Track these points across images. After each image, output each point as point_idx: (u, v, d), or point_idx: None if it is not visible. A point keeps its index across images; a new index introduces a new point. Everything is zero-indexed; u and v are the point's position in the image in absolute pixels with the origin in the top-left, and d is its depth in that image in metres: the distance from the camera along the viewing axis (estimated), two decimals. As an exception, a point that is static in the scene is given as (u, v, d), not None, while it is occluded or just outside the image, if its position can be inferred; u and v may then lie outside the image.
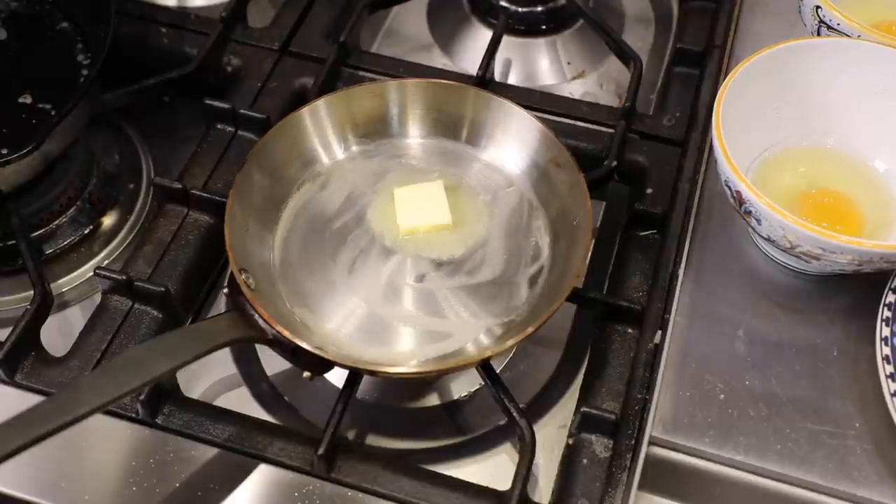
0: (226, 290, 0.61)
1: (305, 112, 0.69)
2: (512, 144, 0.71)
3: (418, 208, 0.68)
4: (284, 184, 0.69)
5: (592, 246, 0.77)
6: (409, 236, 0.67)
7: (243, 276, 0.60)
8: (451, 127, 0.73)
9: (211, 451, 0.60)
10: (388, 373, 0.61)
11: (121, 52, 0.72)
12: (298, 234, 0.68)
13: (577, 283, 0.63)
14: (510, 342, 0.59)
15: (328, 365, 0.60)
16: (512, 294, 0.65)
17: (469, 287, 0.65)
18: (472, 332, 0.63)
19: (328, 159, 0.71)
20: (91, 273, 0.73)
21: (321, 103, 0.70)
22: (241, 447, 0.60)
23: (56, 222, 0.75)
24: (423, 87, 0.72)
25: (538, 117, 0.70)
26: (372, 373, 0.61)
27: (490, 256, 0.67)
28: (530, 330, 0.59)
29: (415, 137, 0.73)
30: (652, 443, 0.60)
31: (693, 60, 0.82)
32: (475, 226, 0.69)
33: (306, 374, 0.60)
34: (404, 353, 0.63)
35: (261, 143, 0.67)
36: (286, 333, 0.57)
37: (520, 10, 0.89)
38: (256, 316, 0.58)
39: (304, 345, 0.57)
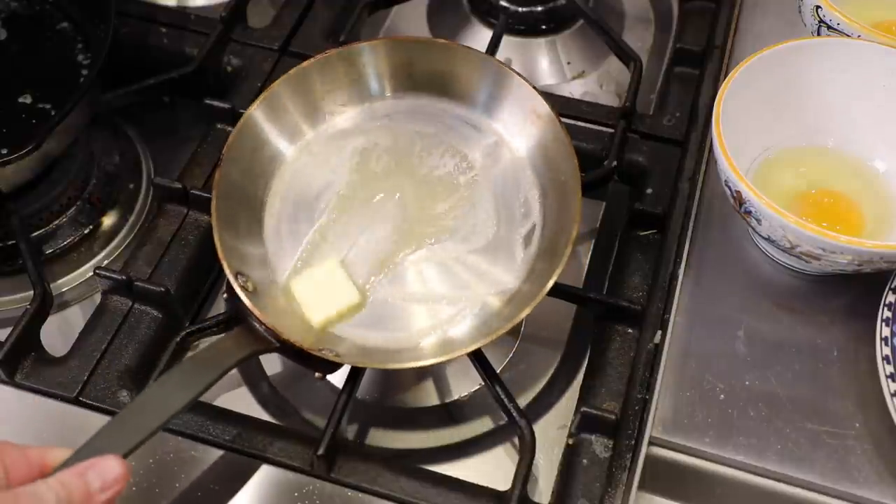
0: (224, 295, 0.61)
1: (263, 101, 0.68)
2: (489, 97, 0.70)
3: (323, 296, 0.64)
4: (263, 172, 0.68)
5: (592, 245, 0.77)
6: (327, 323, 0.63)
7: (240, 281, 0.60)
8: (426, 83, 0.72)
9: (211, 451, 0.60)
10: (404, 367, 0.60)
11: (121, 52, 0.72)
12: (286, 221, 0.67)
13: (576, 282, 0.63)
14: (521, 315, 0.59)
15: (339, 365, 0.60)
16: (508, 257, 0.65)
17: (466, 255, 0.65)
18: (476, 303, 0.63)
19: (304, 135, 0.71)
20: (91, 273, 0.73)
21: (279, 88, 0.69)
22: (242, 447, 0.60)
23: (56, 222, 0.75)
24: (390, 45, 0.71)
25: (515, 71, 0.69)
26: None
27: (481, 219, 0.67)
28: (538, 299, 0.58)
29: (390, 97, 0.72)
30: (652, 443, 0.60)
31: (693, 60, 0.82)
32: (463, 190, 0.68)
33: (318, 374, 0.60)
34: (410, 335, 0.62)
35: (232, 137, 0.66)
36: (291, 339, 0.57)
37: (520, 10, 0.89)
38: (258, 325, 0.58)
39: (310, 349, 0.57)
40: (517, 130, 0.70)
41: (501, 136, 0.70)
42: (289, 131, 0.70)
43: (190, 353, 0.64)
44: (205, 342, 0.69)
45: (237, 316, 0.60)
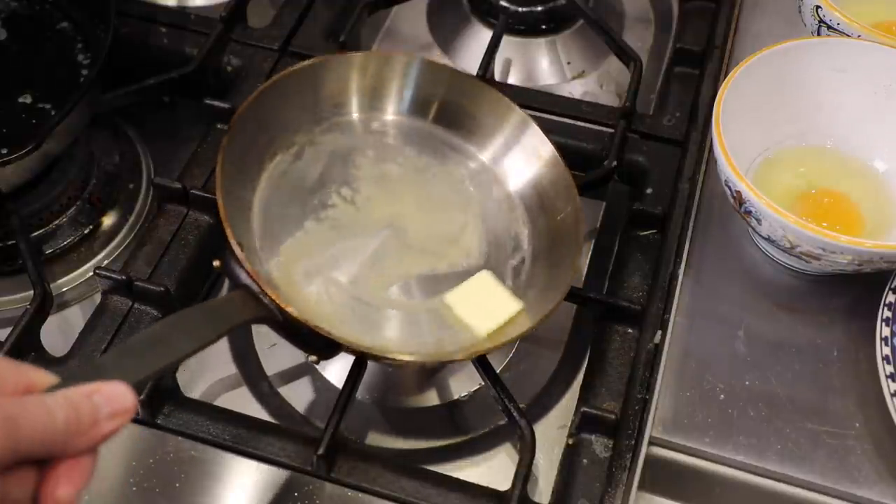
0: (216, 263, 0.58)
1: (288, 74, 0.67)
2: (488, 129, 0.71)
3: (482, 307, 0.63)
4: (259, 152, 0.66)
5: (592, 246, 0.77)
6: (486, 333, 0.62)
7: (242, 251, 0.57)
8: (427, 106, 0.72)
9: (211, 451, 0.60)
10: (396, 359, 0.59)
11: (121, 52, 0.72)
12: (276, 208, 0.65)
13: (576, 282, 0.62)
14: (506, 339, 0.59)
15: (335, 347, 0.57)
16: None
17: (449, 276, 0.65)
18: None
19: (303, 129, 0.69)
20: (91, 273, 0.73)
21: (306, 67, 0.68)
22: (242, 447, 0.60)
23: (56, 222, 0.75)
24: (403, 63, 0.70)
25: (534, 115, 0.69)
26: (375, 357, 0.59)
27: (471, 245, 0.66)
28: (527, 329, 0.58)
29: (389, 114, 0.72)
30: (652, 443, 0.60)
31: (693, 60, 0.82)
32: (453, 213, 0.68)
33: (312, 358, 0.59)
34: (398, 340, 0.62)
35: (247, 103, 0.64)
36: (292, 311, 0.55)
37: (520, 9, 0.89)
38: (261, 295, 0.55)
39: (312, 324, 0.55)
40: (514, 167, 0.70)
41: (496, 170, 0.70)
42: (299, 112, 0.69)
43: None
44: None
45: (233, 283, 0.57)
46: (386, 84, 0.71)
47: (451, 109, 0.71)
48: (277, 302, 0.55)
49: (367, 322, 0.62)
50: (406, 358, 0.58)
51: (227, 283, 0.74)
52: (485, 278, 0.64)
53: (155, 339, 0.48)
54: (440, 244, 0.66)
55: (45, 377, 0.41)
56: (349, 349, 0.58)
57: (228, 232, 0.57)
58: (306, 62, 0.68)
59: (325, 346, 0.57)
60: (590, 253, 0.76)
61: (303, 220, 0.65)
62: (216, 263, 0.58)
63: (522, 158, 0.69)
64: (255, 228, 0.64)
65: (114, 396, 0.41)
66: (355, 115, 0.71)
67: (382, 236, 0.66)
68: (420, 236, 0.66)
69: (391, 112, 0.72)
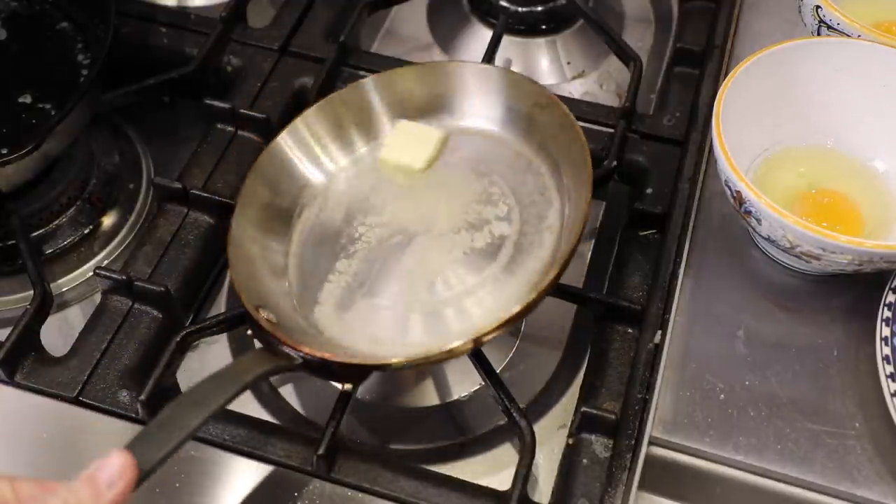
0: (249, 332, 0.60)
1: (284, 137, 0.68)
2: (491, 103, 0.70)
3: (405, 145, 0.69)
4: (284, 206, 0.68)
5: (592, 245, 0.77)
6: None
7: (264, 315, 0.59)
8: (433, 106, 0.72)
9: (211, 451, 0.60)
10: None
11: (121, 52, 0.72)
12: (309, 251, 0.67)
13: (576, 282, 0.62)
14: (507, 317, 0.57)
15: (364, 371, 0.59)
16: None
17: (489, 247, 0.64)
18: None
19: (322, 175, 0.70)
20: (91, 273, 0.73)
21: (299, 124, 0.69)
22: (242, 447, 0.60)
23: (56, 222, 0.75)
24: (376, 82, 0.71)
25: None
26: (382, 367, 0.60)
27: (503, 209, 0.66)
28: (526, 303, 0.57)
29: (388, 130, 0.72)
30: (652, 443, 0.60)
31: (693, 60, 0.82)
32: (475, 187, 0.68)
33: (347, 385, 0.59)
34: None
35: (256, 165, 0.66)
36: (316, 353, 0.57)
37: (520, 9, 0.89)
38: (281, 346, 0.57)
39: (335, 358, 0.57)
40: (525, 128, 0.69)
41: (512, 138, 0.70)
42: (311, 163, 0.70)
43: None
44: (205, 342, 0.70)
45: (259, 341, 0.59)
46: (373, 108, 0.71)
47: (441, 100, 0.72)
48: (290, 343, 0.57)
49: (421, 329, 0.62)
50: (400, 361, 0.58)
51: (227, 284, 0.74)
52: (403, 124, 0.70)
53: (166, 420, 0.51)
54: (472, 219, 0.66)
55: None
56: (378, 368, 0.59)
57: (244, 298, 0.59)
58: (287, 129, 0.69)
59: (355, 373, 0.59)
60: (590, 253, 0.76)
61: (334, 263, 0.65)
62: (249, 332, 0.61)
63: (523, 112, 0.69)
64: (293, 285, 0.65)
65: (108, 465, 0.46)
66: (363, 148, 0.72)
67: (414, 242, 0.66)
68: (451, 222, 0.66)
69: (389, 128, 0.72)
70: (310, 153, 0.70)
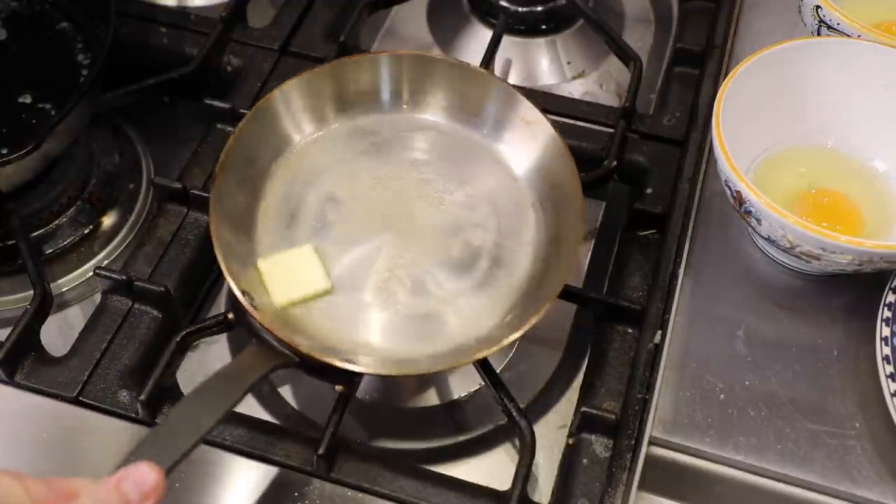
0: (231, 316, 0.60)
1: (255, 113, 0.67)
2: (471, 105, 0.71)
3: (291, 279, 0.63)
4: (256, 179, 0.67)
5: (592, 246, 0.77)
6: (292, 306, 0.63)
7: (248, 300, 0.58)
8: (400, 97, 0.72)
9: (211, 451, 0.60)
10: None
11: (121, 52, 0.72)
12: (281, 234, 0.66)
13: (576, 282, 0.62)
14: (508, 339, 0.58)
15: (359, 375, 0.59)
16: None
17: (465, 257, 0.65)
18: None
19: (296, 142, 0.70)
20: (91, 273, 0.73)
21: (278, 94, 0.68)
22: (242, 447, 0.60)
23: (56, 222, 0.75)
24: (368, 61, 0.71)
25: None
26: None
27: (482, 219, 0.67)
28: (527, 326, 0.58)
29: (369, 114, 0.72)
30: (652, 443, 0.60)
31: (693, 60, 0.82)
32: (456, 193, 0.68)
33: (339, 387, 0.59)
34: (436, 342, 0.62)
35: (230, 144, 0.65)
36: (312, 353, 0.57)
37: (520, 9, 0.89)
38: (274, 340, 0.57)
39: (333, 361, 0.57)
40: (514, 144, 0.70)
41: (500, 155, 0.70)
42: (289, 128, 0.70)
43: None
44: (205, 342, 0.70)
45: (249, 333, 0.59)
46: (358, 86, 0.71)
47: (438, 95, 0.72)
48: (283, 339, 0.56)
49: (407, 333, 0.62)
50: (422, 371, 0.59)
51: (226, 285, 0.74)
52: (307, 251, 0.64)
53: (176, 423, 0.51)
54: (449, 226, 0.66)
55: (77, 482, 0.43)
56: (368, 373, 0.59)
57: (232, 284, 0.59)
58: (269, 96, 0.68)
59: (351, 378, 0.59)
60: (590, 253, 0.76)
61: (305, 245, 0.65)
62: (230, 316, 0.60)
63: (512, 123, 0.69)
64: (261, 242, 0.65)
65: (140, 479, 0.44)
66: (335, 125, 0.71)
67: (384, 239, 0.66)
68: (427, 227, 0.66)
69: (371, 111, 0.71)
70: (282, 125, 0.69)
